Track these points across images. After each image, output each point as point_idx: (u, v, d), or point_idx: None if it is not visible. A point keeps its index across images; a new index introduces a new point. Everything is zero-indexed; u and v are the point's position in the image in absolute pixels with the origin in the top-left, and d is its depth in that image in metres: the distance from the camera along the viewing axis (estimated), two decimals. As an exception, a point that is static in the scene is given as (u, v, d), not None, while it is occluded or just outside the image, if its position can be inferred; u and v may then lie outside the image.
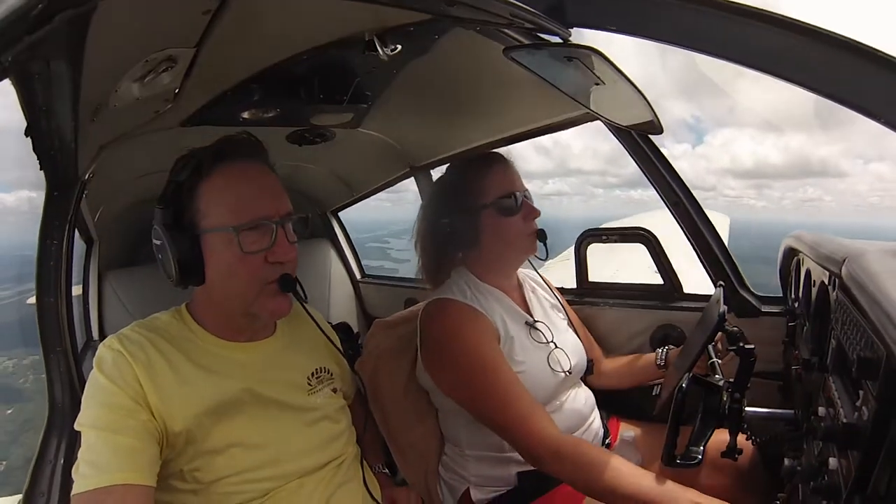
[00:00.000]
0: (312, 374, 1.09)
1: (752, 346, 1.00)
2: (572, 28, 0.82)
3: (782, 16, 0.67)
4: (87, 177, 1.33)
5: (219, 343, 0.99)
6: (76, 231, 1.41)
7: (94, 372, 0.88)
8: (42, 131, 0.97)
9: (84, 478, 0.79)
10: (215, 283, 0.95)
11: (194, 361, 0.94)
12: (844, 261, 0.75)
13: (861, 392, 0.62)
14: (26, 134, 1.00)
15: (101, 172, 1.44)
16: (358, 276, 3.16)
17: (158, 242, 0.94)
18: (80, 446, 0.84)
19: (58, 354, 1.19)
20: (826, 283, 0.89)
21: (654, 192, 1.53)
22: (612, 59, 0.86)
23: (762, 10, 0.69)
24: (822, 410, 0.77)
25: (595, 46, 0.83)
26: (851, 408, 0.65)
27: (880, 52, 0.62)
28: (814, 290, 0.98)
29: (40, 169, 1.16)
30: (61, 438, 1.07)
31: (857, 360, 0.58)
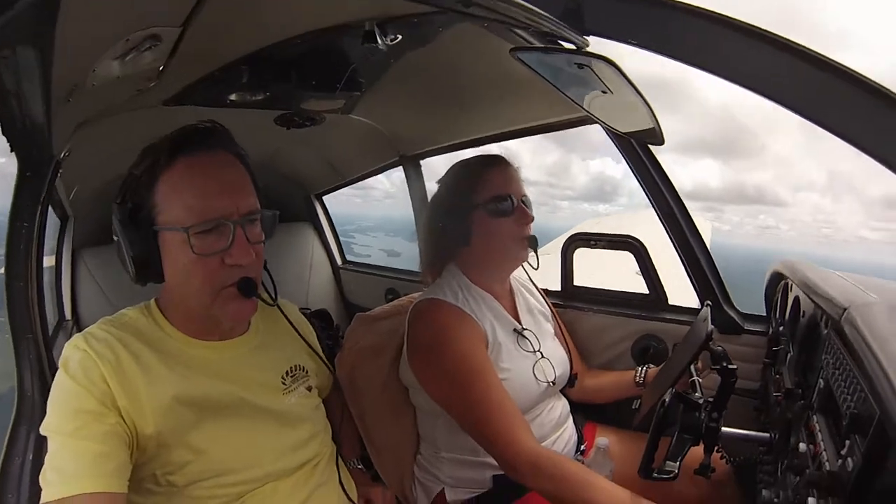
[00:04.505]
0: (287, 373, 1.05)
1: (735, 367, 1.00)
2: (589, 36, 0.79)
3: (798, 44, 0.65)
4: (62, 156, 1.25)
5: (189, 342, 0.94)
6: (49, 208, 1.32)
7: (60, 373, 0.83)
8: (12, 113, 0.90)
9: (50, 485, 0.76)
10: (173, 283, 0.91)
11: (165, 360, 0.89)
12: (847, 309, 0.75)
13: (847, 443, 0.63)
14: None
15: (77, 150, 1.37)
16: (339, 261, 3.10)
17: (116, 238, 0.89)
18: (46, 448, 0.79)
19: (28, 341, 1.12)
20: (817, 319, 0.89)
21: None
22: (624, 70, 0.84)
23: (780, 36, 0.66)
24: (802, 446, 0.78)
25: (609, 57, 0.80)
26: (835, 454, 0.66)
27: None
28: (802, 320, 0.99)
29: (11, 150, 1.08)
30: (30, 432, 1.02)
31: (849, 416, 0.59)
